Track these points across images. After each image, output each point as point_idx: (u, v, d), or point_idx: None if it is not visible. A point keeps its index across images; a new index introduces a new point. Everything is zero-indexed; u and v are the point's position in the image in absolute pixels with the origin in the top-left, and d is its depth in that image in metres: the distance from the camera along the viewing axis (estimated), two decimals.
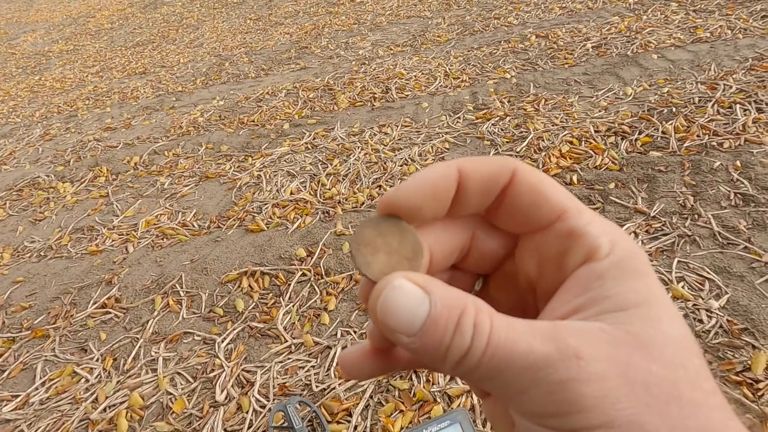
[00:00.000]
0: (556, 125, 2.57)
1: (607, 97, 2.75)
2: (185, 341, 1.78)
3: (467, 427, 0.67)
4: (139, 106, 4.33)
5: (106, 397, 1.62)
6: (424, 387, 1.42)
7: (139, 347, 1.79)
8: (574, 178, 2.15)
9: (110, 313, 1.98)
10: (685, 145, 2.18)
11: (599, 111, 2.62)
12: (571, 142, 2.39)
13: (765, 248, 1.63)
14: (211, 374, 1.63)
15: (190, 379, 1.63)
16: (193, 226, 2.45)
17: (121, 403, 1.59)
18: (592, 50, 3.35)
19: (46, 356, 1.83)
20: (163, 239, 2.39)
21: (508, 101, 2.94)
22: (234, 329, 1.78)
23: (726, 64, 2.77)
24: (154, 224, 2.53)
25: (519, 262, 0.25)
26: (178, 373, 1.66)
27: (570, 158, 2.28)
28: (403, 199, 0.22)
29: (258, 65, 4.80)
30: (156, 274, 2.15)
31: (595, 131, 2.43)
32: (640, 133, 2.33)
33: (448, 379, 1.45)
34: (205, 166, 3.00)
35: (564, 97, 2.83)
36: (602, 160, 2.22)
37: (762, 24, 3.12)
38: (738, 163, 1.99)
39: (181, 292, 2.00)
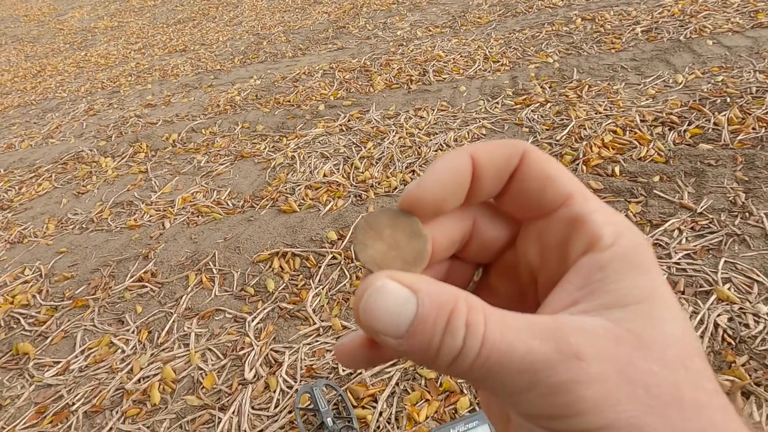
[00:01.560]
0: (600, 113, 2.46)
1: (656, 84, 2.62)
2: (217, 318, 1.82)
3: None
4: (178, 84, 4.40)
5: (141, 369, 1.67)
6: (451, 377, 1.41)
7: (173, 322, 1.84)
8: (617, 169, 2.06)
9: (146, 287, 2.04)
10: (738, 138, 2.06)
11: (646, 99, 2.50)
12: (614, 132, 2.29)
13: None
14: (241, 352, 1.66)
15: (221, 356, 1.66)
16: (228, 204, 2.48)
17: (155, 375, 1.64)
18: (642, 35, 3.19)
19: (85, 326, 1.90)
20: (198, 216, 2.43)
21: (550, 87, 2.84)
22: (264, 309, 1.80)
23: None
24: (190, 201, 2.57)
25: (521, 250, 0.24)
26: (209, 349, 1.69)
27: (613, 148, 2.19)
28: (423, 196, 0.21)
29: (295, 45, 4.79)
30: (190, 250, 2.19)
31: (641, 121, 2.32)
32: (689, 124, 2.22)
33: None
34: (240, 145, 3.03)
35: (609, 84, 2.72)
36: (647, 151, 2.12)
37: None
38: None
39: (214, 270, 2.04)
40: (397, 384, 1.44)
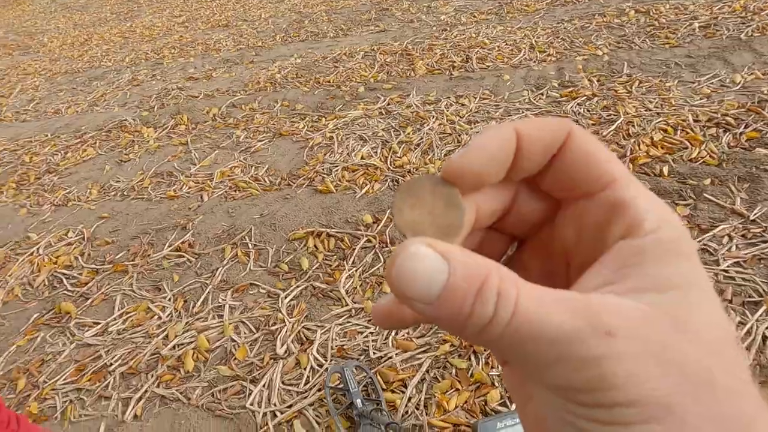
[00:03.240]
0: (650, 110, 2.38)
1: (712, 83, 2.50)
2: (251, 292, 1.85)
3: None
4: (220, 59, 4.44)
5: (176, 336, 1.71)
6: (482, 369, 1.40)
7: (208, 293, 1.87)
8: (665, 169, 1.99)
9: (183, 256, 2.08)
10: None
11: (700, 98, 2.40)
12: (664, 130, 2.21)
13: None
14: (273, 327, 1.68)
15: (253, 329, 1.69)
16: (265, 181, 2.50)
17: (189, 343, 1.68)
18: (699, 30, 3.05)
19: (124, 290, 1.96)
20: (235, 191, 2.46)
21: (598, 80, 2.75)
22: (297, 286, 1.82)
23: None
24: (228, 176, 2.60)
25: (558, 229, 0.24)
26: (242, 322, 1.72)
27: (662, 148, 2.11)
28: (465, 167, 0.21)
29: (337, 25, 4.76)
30: (227, 224, 2.22)
31: (694, 120, 2.23)
32: (746, 127, 2.12)
33: None
34: (279, 123, 3.04)
35: (661, 81, 2.61)
36: (699, 152, 2.03)
37: None
38: None
39: (250, 245, 2.06)
40: (427, 371, 1.44)
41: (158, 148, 3.05)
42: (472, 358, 1.45)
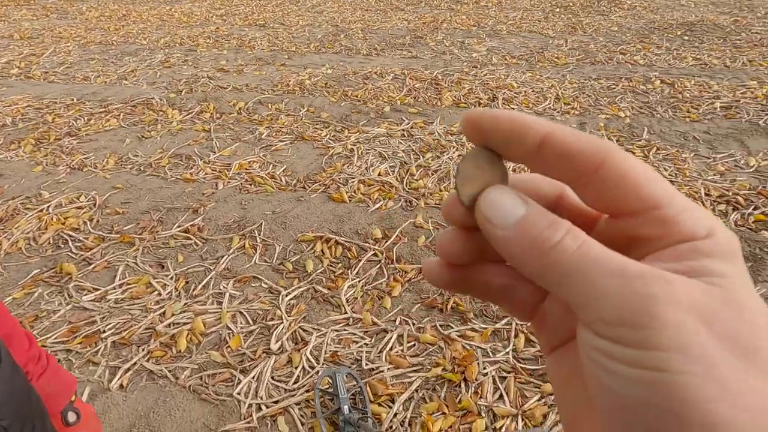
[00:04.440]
0: (664, 177, 2.44)
1: (726, 162, 2.58)
2: (253, 285, 1.86)
3: None
4: (253, 56, 4.52)
5: (173, 315, 1.72)
6: (471, 397, 1.42)
7: (210, 278, 1.89)
8: None
9: (191, 239, 2.10)
10: None
11: (714, 174, 2.47)
12: None
13: None
14: (270, 322, 1.69)
15: (250, 321, 1.71)
16: (281, 180, 2.54)
17: (185, 324, 1.69)
18: (720, 110, 3.14)
19: (128, 261, 1.98)
20: (251, 185, 2.50)
21: (617, 140, 2.83)
22: (299, 287, 1.84)
23: None
24: (246, 169, 2.64)
25: (601, 235, 0.23)
26: (240, 312, 1.74)
27: None
28: (486, 121, 0.22)
29: (371, 44, 4.87)
30: (239, 215, 2.25)
31: (706, 194, 2.29)
32: (755, 209, 2.18)
33: (497, 397, 1.43)
34: (302, 127, 3.10)
35: (678, 151, 2.69)
36: None
37: None
38: None
39: (258, 239, 2.09)
40: (416, 390, 1.45)
41: (181, 130, 3.10)
42: (462, 386, 1.46)
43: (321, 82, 3.81)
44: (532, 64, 4.14)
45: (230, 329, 1.67)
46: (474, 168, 0.23)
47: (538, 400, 1.41)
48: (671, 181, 2.40)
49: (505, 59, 4.29)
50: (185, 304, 1.77)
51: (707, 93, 3.41)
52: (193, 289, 1.84)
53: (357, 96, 3.52)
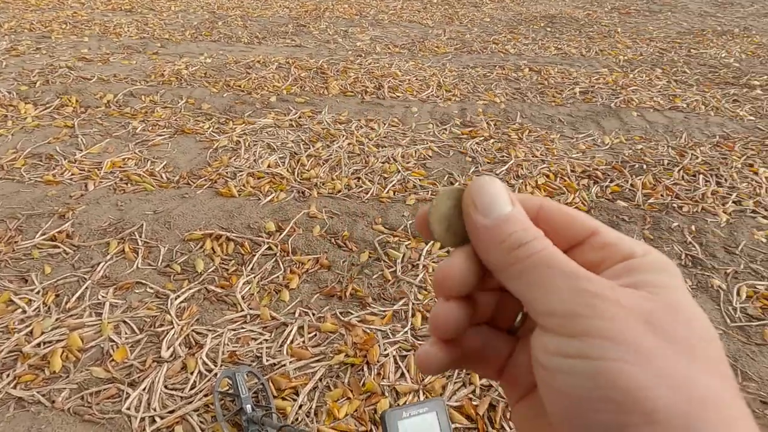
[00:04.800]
0: (536, 157, 2.66)
1: (586, 141, 2.88)
2: (137, 291, 1.73)
3: (443, 417, 0.70)
4: (120, 44, 4.14)
5: (42, 333, 1.54)
6: (374, 379, 1.45)
7: (86, 288, 1.72)
8: None
9: (59, 247, 1.89)
10: (649, 201, 2.32)
11: (577, 153, 2.74)
12: (547, 176, 2.49)
13: (703, 309, 1.76)
14: (160, 329, 1.58)
15: (137, 330, 1.58)
16: (162, 177, 2.37)
17: (58, 341, 1.52)
18: (579, 95, 3.49)
19: None
20: (127, 184, 2.30)
21: (495, 124, 3.03)
22: (190, 288, 1.74)
23: (696, 136, 2.97)
24: (120, 167, 2.43)
25: None
26: (125, 322, 1.60)
27: (545, 191, 2.38)
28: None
29: (252, 32, 4.70)
30: (115, 217, 2.06)
31: (571, 171, 2.54)
32: (611, 182, 2.46)
33: (399, 375, 1.48)
34: (183, 119, 2.91)
35: (547, 132, 2.95)
36: (573, 198, 2.32)
37: (732, 107, 3.37)
38: (693, 227, 2.14)
39: (140, 241, 1.93)
40: (320, 379, 1.45)
41: (38, 126, 2.75)
42: (365, 369, 1.49)
43: (200, 71, 3.60)
44: (414, 53, 4.28)
45: (114, 341, 1.54)
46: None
47: None
48: (542, 161, 2.63)
49: (389, 48, 4.38)
50: (57, 319, 1.60)
51: (568, 80, 3.76)
52: (66, 302, 1.66)
53: (240, 86, 3.38)
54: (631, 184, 2.44)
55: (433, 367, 0.26)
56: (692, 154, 2.73)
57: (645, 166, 2.60)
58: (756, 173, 2.57)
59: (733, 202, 2.33)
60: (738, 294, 1.82)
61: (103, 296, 1.69)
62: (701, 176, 2.52)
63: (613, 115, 3.21)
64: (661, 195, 2.37)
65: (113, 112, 2.95)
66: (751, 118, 3.22)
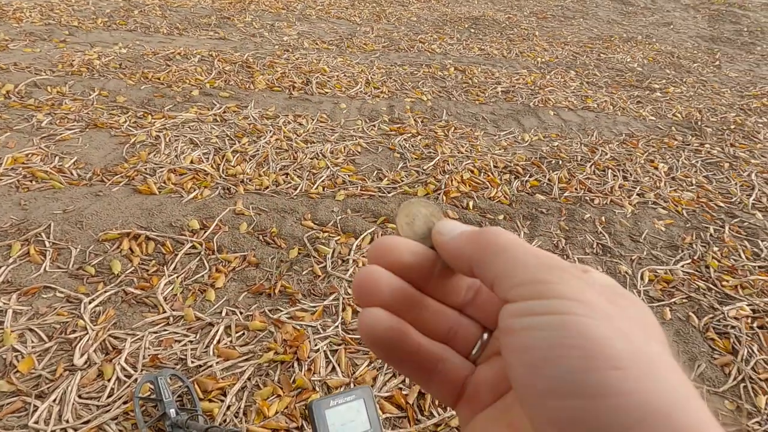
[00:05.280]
0: (462, 153, 2.75)
1: (508, 138, 3.02)
2: (44, 296, 1.60)
3: (370, 404, 0.71)
4: (21, 30, 3.80)
5: None
6: (304, 375, 1.44)
7: None
8: (470, 204, 2.32)
9: None
10: (564, 194, 2.47)
11: (499, 149, 2.87)
12: (472, 171, 2.58)
13: None
14: (72, 335, 1.48)
15: (45, 338, 1.47)
16: (72, 174, 2.21)
17: None
18: (501, 94, 3.65)
19: None
20: (31, 181, 2.12)
21: (422, 121, 3.09)
22: (105, 291, 1.64)
23: (605, 134, 3.20)
24: (23, 163, 2.23)
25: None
26: (31, 330, 1.48)
27: (469, 185, 2.46)
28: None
29: (172, 22, 4.48)
30: (18, 217, 1.90)
31: (494, 166, 2.65)
32: (530, 177, 2.60)
33: (330, 370, 1.48)
34: (95, 113, 2.73)
35: (471, 130, 3.05)
36: (496, 192, 2.42)
37: (636, 108, 3.66)
38: (603, 218, 2.31)
39: (47, 243, 1.79)
40: (249, 379, 1.42)
41: None
42: (295, 365, 1.48)
43: (114, 62, 3.38)
44: (342, 50, 4.27)
45: (18, 351, 1.42)
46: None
47: (368, 365, 1.50)
48: (467, 157, 2.72)
49: (316, 44, 4.34)
50: None
51: (491, 79, 3.92)
52: None
53: (159, 78, 3.22)
54: (549, 179, 2.59)
55: (375, 324, 0.26)
56: (602, 150, 2.94)
57: (561, 162, 2.76)
58: (656, 168, 2.81)
59: (638, 194, 2.54)
60: (641, 278, 1.99)
61: (4, 303, 1.55)
62: (610, 171, 2.72)
63: (532, 114, 3.38)
64: (575, 189, 2.53)
65: (14, 104, 2.70)
66: (652, 118, 3.52)
